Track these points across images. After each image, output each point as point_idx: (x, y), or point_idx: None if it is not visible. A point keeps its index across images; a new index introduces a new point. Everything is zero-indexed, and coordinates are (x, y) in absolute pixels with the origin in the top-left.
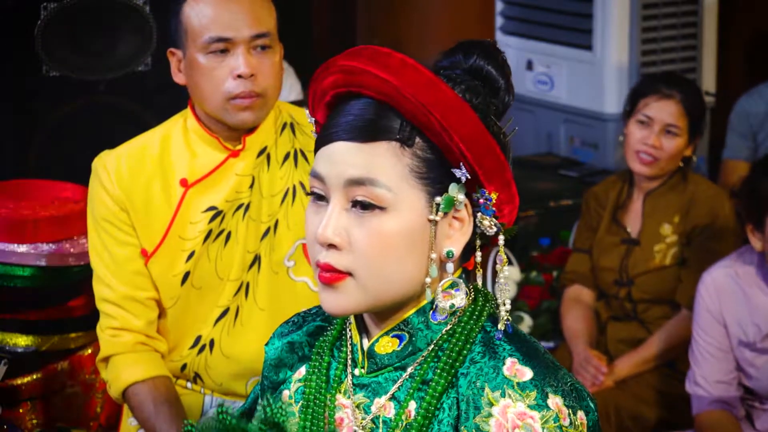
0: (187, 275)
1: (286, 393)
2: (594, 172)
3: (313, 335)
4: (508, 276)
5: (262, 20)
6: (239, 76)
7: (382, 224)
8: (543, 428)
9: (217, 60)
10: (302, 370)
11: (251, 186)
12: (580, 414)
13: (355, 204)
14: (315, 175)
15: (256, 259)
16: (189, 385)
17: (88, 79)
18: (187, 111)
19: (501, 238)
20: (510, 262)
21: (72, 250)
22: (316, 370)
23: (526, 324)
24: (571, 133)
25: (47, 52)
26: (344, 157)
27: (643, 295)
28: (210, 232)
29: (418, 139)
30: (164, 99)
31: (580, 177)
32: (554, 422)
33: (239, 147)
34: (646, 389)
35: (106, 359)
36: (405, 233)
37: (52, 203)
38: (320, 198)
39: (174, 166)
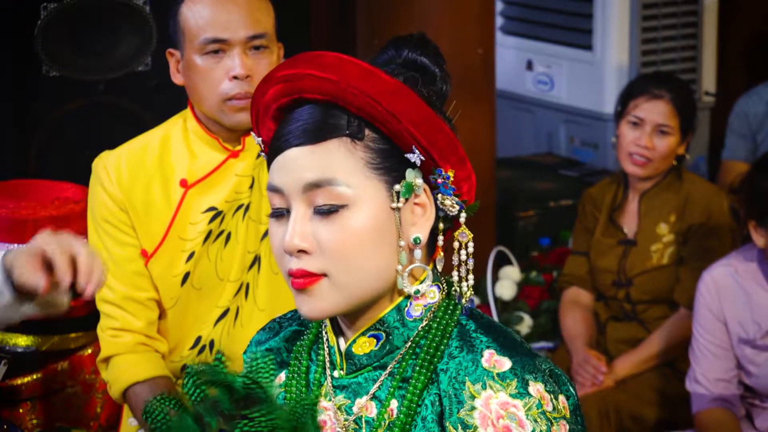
0: (187, 276)
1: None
2: (594, 172)
3: (290, 341)
4: (472, 254)
5: (259, 21)
6: (235, 78)
7: (348, 221)
8: (527, 415)
9: (213, 61)
10: (282, 376)
11: (251, 186)
12: (562, 398)
13: (317, 212)
14: (272, 189)
15: (256, 260)
16: None
17: (88, 79)
18: (187, 111)
19: (463, 216)
20: (510, 262)
21: None
22: (296, 375)
23: (526, 324)
24: (571, 133)
25: (47, 52)
26: (298, 163)
27: (642, 295)
28: (210, 232)
29: (367, 131)
30: (164, 99)
31: (580, 177)
32: (537, 408)
33: (239, 148)
34: (646, 389)
35: (107, 360)
36: (371, 226)
37: (52, 203)
38: (280, 211)
39: (174, 167)
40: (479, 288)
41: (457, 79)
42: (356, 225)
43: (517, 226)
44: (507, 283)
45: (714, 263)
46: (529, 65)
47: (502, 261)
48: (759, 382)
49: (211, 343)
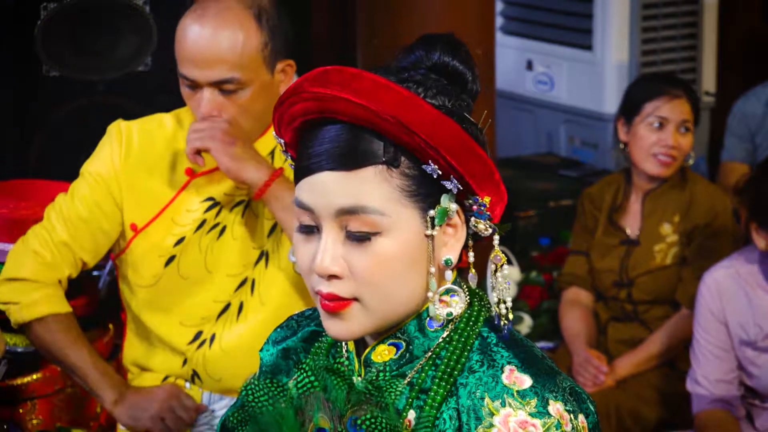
0: (172, 259)
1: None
2: (594, 172)
3: (307, 341)
4: (507, 275)
5: (226, 64)
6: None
7: (381, 248)
8: None
9: (191, 93)
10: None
11: None
12: (581, 417)
13: (349, 235)
14: (302, 206)
15: (263, 255)
16: (188, 385)
17: (88, 79)
18: None
19: (496, 238)
20: (510, 262)
21: None
22: None
23: (526, 324)
24: (571, 133)
25: (47, 52)
26: (331, 188)
27: (644, 295)
28: (204, 222)
29: (403, 158)
30: (164, 99)
31: (580, 177)
32: (557, 429)
33: None
34: (647, 389)
35: (14, 280)
36: (405, 253)
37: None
38: (308, 226)
39: (184, 155)
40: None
41: None
42: (390, 253)
43: (517, 226)
44: None
45: (715, 265)
46: (529, 65)
47: None
48: (760, 383)
49: (212, 338)
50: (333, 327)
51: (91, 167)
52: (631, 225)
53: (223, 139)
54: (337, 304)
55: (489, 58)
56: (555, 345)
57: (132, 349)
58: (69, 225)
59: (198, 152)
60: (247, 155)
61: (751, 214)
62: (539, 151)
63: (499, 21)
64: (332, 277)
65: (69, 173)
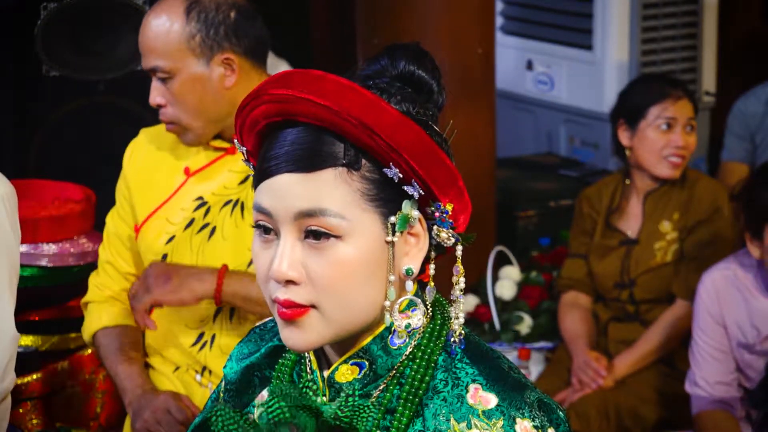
0: (164, 257)
1: (251, 417)
2: (594, 172)
3: (271, 356)
4: (463, 288)
5: (153, 52)
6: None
7: (340, 253)
8: None
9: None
10: (264, 394)
11: (241, 183)
12: (551, 431)
13: (308, 234)
14: (260, 210)
15: None
16: (198, 377)
17: (88, 79)
18: None
19: (459, 248)
20: (510, 262)
21: (72, 250)
22: None
23: (526, 324)
24: (571, 133)
25: (47, 52)
26: (290, 190)
27: (646, 294)
28: (192, 221)
29: (363, 161)
30: None
31: (580, 177)
32: None
33: None
34: (646, 388)
35: (86, 304)
36: (364, 259)
37: (52, 203)
38: (267, 231)
39: (186, 153)
40: (479, 288)
41: (457, 79)
42: (349, 258)
43: (517, 226)
44: (507, 283)
45: (713, 266)
46: (529, 65)
47: (502, 261)
48: None
49: (212, 339)
50: (290, 337)
51: (119, 182)
52: (631, 226)
53: (155, 282)
54: (294, 312)
55: (489, 58)
56: (555, 345)
57: (150, 334)
58: (109, 243)
59: (147, 312)
60: (186, 276)
61: (744, 224)
62: (539, 151)
63: (499, 21)
64: (289, 283)
65: (69, 173)
